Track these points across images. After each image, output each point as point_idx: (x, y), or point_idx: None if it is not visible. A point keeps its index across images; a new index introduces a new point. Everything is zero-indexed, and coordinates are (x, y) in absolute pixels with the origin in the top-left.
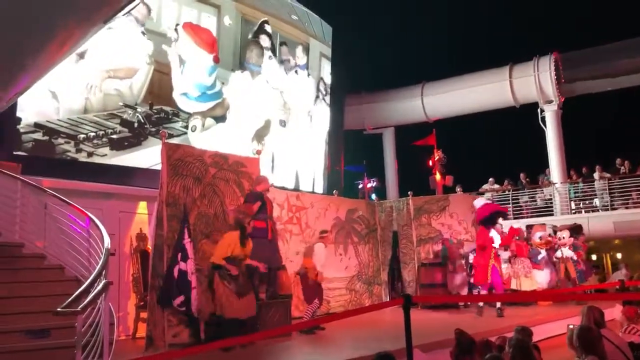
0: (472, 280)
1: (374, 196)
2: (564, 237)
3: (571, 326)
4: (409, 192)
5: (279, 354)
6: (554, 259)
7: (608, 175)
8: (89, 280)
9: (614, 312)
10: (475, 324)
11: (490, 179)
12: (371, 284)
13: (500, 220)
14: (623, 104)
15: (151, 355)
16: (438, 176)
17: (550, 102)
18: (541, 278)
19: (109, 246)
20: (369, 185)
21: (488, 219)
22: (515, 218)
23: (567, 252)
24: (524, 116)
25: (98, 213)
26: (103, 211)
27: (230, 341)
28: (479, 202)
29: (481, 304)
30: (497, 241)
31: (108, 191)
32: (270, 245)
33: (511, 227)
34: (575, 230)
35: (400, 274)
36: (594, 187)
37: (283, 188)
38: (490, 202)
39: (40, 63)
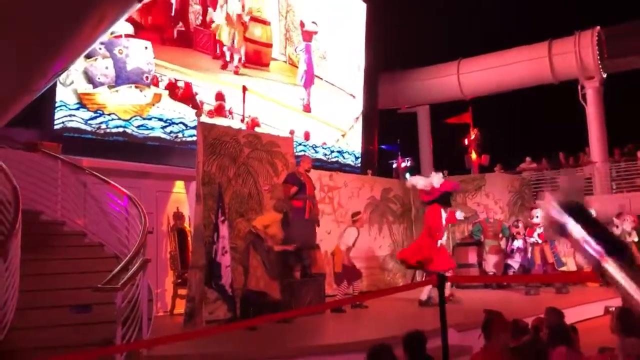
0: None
1: (408, 175)
2: (537, 217)
3: (611, 308)
4: (444, 171)
5: (310, 331)
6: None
7: None
8: (127, 258)
9: None
10: (508, 304)
11: (527, 158)
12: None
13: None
14: None
15: (190, 331)
16: (474, 155)
17: (591, 78)
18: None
19: (147, 224)
20: (402, 165)
21: (440, 199)
22: None
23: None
24: (563, 93)
25: (136, 192)
26: (141, 190)
27: (264, 318)
28: (437, 180)
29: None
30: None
31: (145, 170)
32: (306, 224)
33: (451, 212)
34: None
35: None
36: (637, 166)
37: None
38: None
39: (76, 44)
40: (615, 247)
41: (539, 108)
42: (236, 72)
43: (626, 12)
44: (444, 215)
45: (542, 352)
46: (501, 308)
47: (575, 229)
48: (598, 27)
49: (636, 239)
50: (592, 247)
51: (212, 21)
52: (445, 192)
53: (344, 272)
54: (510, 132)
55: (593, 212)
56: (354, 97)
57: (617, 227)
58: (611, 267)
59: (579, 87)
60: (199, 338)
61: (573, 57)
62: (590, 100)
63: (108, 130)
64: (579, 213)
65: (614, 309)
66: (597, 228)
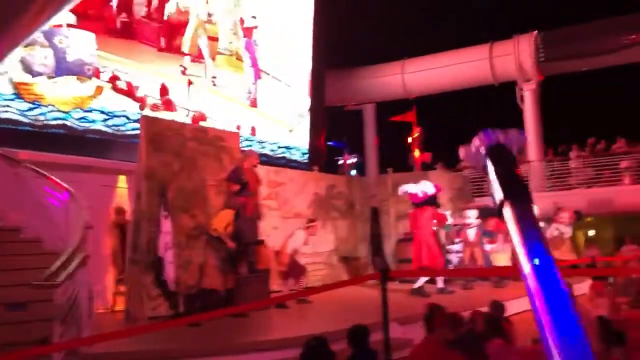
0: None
1: (353, 172)
2: (470, 217)
3: None
4: (388, 168)
5: (253, 327)
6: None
7: (583, 154)
8: (66, 254)
9: (583, 287)
10: (450, 298)
11: None
12: (349, 259)
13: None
14: (599, 83)
15: (130, 327)
16: (417, 153)
17: (529, 80)
18: None
19: (87, 219)
20: (349, 162)
21: (428, 201)
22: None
23: (472, 234)
24: (503, 94)
25: (76, 186)
26: (81, 184)
27: (207, 315)
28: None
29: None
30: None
31: (86, 164)
32: (248, 221)
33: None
34: (486, 212)
35: (381, 249)
36: (569, 166)
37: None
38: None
39: (16, 31)
40: (514, 192)
41: (480, 108)
42: (183, 73)
43: (562, 18)
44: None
45: (478, 344)
46: (440, 301)
47: (490, 170)
48: (536, 32)
49: (570, 235)
50: (497, 189)
51: (163, 13)
52: (432, 196)
53: (289, 270)
54: (452, 131)
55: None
56: (301, 93)
57: (558, 223)
58: (507, 213)
59: (517, 89)
60: (139, 334)
61: (512, 59)
62: (527, 101)
63: (47, 122)
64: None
65: None
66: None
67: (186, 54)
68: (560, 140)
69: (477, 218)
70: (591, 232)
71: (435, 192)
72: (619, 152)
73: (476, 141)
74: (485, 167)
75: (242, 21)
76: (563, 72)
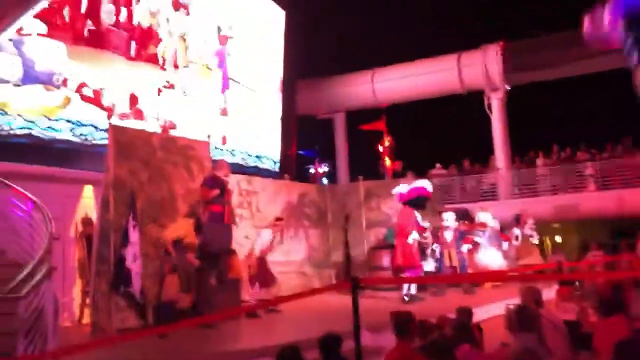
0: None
1: (325, 180)
2: (447, 220)
3: (510, 306)
4: (359, 177)
5: (223, 337)
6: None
7: (550, 161)
8: (31, 265)
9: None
10: (418, 305)
11: (437, 165)
12: (321, 267)
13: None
14: (564, 92)
15: (97, 339)
16: (388, 161)
17: (496, 89)
18: (485, 260)
19: (53, 230)
20: (320, 170)
21: (414, 201)
22: (460, 202)
23: (448, 236)
24: (471, 103)
25: (41, 196)
26: (47, 194)
27: (177, 325)
28: (418, 183)
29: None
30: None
31: (52, 174)
32: (224, 229)
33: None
34: (463, 215)
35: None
36: (536, 173)
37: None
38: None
39: None
40: None
41: (449, 117)
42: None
43: (528, 28)
44: (418, 217)
45: (447, 350)
46: (410, 308)
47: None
48: (502, 42)
49: (536, 241)
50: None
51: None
52: (420, 196)
53: (257, 275)
54: (422, 140)
55: None
56: (272, 102)
57: (518, 230)
58: None
59: (485, 98)
60: (106, 347)
61: (480, 69)
62: (495, 110)
63: (11, 132)
64: None
65: (511, 306)
66: None
67: (157, 63)
68: (527, 148)
69: (455, 221)
70: (557, 239)
71: (420, 192)
72: (583, 159)
73: (607, 6)
74: (627, 42)
75: (219, 29)
76: (529, 81)
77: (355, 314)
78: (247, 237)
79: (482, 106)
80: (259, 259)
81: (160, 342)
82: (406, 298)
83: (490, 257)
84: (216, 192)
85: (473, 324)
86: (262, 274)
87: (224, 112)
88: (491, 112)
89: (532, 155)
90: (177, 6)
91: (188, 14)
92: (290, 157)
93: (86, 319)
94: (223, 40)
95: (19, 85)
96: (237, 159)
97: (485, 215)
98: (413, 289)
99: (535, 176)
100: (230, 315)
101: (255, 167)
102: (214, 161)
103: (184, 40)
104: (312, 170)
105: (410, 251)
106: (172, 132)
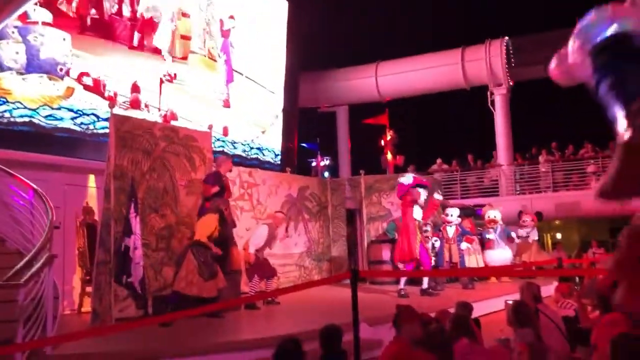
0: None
1: (326, 174)
2: (451, 215)
3: (509, 302)
4: (360, 171)
5: (223, 328)
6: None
7: (552, 158)
8: (31, 253)
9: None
10: (419, 299)
11: (438, 160)
12: (321, 260)
13: (424, 194)
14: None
15: (96, 327)
16: (389, 156)
17: (499, 85)
18: (496, 256)
19: (54, 219)
20: (321, 163)
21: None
22: (462, 198)
23: (451, 231)
24: (475, 98)
25: (42, 185)
26: (48, 183)
27: (175, 315)
28: (407, 179)
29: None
30: (419, 216)
31: (53, 163)
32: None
33: (431, 199)
34: (467, 212)
35: (355, 252)
36: (538, 169)
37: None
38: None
39: None
40: None
41: (451, 112)
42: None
43: (532, 25)
44: (417, 210)
45: (445, 343)
46: (411, 302)
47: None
48: (507, 37)
49: (536, 238)
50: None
51: (134, 11)
52: (415, 185)
53: (254, 267)
54: (424, 135)
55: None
56: (274, 94)
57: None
58: None
59: (489, 94)
60: (106, 335)
61: (484, 64)
62: (498, 106)
63: (12, 119)
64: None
65: (510, 302)
66: None
67: (160, 52)
68: (530, 144)
69: (458, 217)
70: (558, 236)
71: (411, 184)
72: (586, 157)
73: (574, 41)
74: (594, 77)
75: (222, 23)
76: (532, 77)
77: (355, 306)
78: (248, 230)
79: (486, 102)
80: (256, 255)
81: (160, 331)
82: (402, 292)
83: (500, 254)
84: (216, 189)
85: (472, 318)
86: (260, 266)
87: (226, 104)
88: (494, 108)
89: (535, 152)
90: None
91: (191, 5)
92: (292, 150)
93: (86, 308)
94: (226, 32)
95: (22, 74)
96: (238, 151)
97: (495, 212)
98: (402, 283)
99: (537, 173)
100: (228, 306)
101: (257, 159)
102: (215, 153)
103: (188, 30)
104: (313, 164)
105: (410, 244)
106: (174, 123)
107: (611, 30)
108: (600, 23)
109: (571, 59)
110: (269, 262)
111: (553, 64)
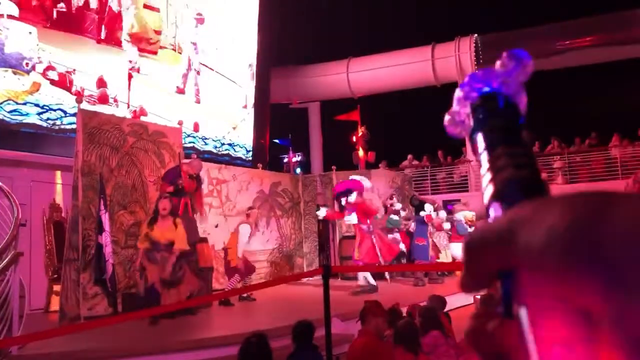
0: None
1: (298, 170)
2: (424, 211)
3: (477, 296)
4: (332, 167)
5: (195, 325)
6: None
7: None
8: None
9: None
10: (392, 294)
11: (409, 156)
12: (292, 256)
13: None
14: (534, 87)
15: (64, 326)
16: (361, 152)
17: None
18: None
19: (19, 216)
20: (294, 160)
21: (343, 193)
22: (432, 193)
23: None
24: (445, 95)
25: (7, 182)
26: (13, 180)
27: (145, 312)
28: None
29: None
30: (354, 220)
31: (18, 159)
32: (190, 220)
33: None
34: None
35: (327, 248)
36: None
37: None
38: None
39: None
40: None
41: (422, 109)
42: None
43: (502, 22)
44: (351, 217)
45: (412, 336)
46: (385, 298)
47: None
48: (476, 35)
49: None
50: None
51: (103, 3)
52: (347, 188)
53: (241, 268)
54: (395, 131)
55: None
56: (244, 90)
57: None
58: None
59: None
60: (74, 334)
61: (453, 61)
62: None
63: None
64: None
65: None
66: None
67: (128, 44)
68: None
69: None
70: None
71: (347, 186)
72: (553, 153)
73: (460, 92)
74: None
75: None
76: None
77: (326, 302)
78: (216, 226)
79: None
80: (242, 256)
81: (131, 329)
82: (360, 289)
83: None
84: (170, 189)
85: (443, 312)
86: (246, 267)
87: (180, 91)
88: None
89: None
90: None
91: None
92: (263, 146)
93: (54, 307)
94: (196, 25)
95: None
96: (209, 147)
97: (465, 214)
98: (370, 278)
99: None
100: (202, 302)
101: (228, 155)
102: (185, 149)
103: (157, 25)
104: (285, 160)
105: (368, 245)
106: (144, 119)
107: (483, 90)
108: (474, 84)
109: (458, 117)
110: (249, 260)
111: (446, 121)
